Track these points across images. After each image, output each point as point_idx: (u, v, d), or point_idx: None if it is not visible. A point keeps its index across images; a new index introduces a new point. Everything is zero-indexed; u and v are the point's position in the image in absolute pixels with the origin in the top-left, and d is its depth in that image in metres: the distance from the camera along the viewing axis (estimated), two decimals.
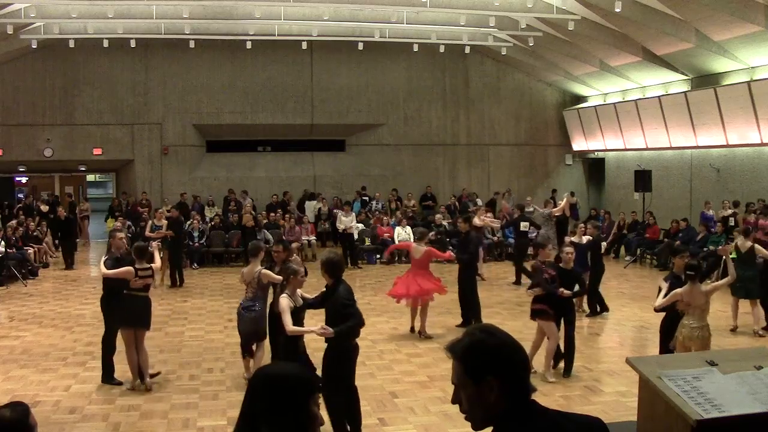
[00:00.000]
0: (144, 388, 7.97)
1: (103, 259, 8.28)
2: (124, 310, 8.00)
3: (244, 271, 8.41)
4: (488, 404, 2.05)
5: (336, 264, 6.35)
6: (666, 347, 7.62)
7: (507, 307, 12.81)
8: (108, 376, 8.27)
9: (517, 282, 14.99)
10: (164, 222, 15.36)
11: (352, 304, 6.22)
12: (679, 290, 7.27)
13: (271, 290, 8.19)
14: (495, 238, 19.01)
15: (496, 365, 2.05)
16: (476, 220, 14.49)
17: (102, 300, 8.45)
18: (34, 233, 18.28)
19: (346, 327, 6.09)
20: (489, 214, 17.92)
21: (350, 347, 6.29)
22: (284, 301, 6.49)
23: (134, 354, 7.97)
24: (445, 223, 19.89)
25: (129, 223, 18.28)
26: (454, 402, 2.14)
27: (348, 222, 18.14)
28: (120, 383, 8.15)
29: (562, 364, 8.57)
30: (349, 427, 6.36)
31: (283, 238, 18.65)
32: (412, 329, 10.65)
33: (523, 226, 15.42)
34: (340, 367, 6.20)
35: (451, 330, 10.75)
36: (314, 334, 6.26)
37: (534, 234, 14.77)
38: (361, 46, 20.33)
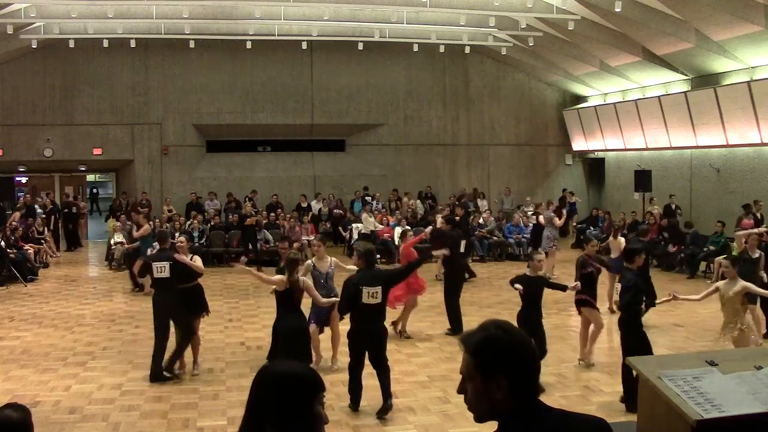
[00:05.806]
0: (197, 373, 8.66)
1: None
2: (190, 300, 8.63)
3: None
4: (494, 401, 2.05)
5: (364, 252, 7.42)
6: None
7: (507, 307, 12.73)
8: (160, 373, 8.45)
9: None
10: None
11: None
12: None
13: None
14: (494, 238, 19.01)
15: (507, 364, 2.04)
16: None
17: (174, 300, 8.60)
18: (36, 231, 18.27)
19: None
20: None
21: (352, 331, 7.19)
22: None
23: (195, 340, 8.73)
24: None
25: (129, 223, 18.23)
26: (459, 392, 2.13)
27: (372, 223, 18.15)
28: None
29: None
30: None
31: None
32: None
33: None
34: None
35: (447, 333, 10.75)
36: None
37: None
38: (361, 46, 20.31)
